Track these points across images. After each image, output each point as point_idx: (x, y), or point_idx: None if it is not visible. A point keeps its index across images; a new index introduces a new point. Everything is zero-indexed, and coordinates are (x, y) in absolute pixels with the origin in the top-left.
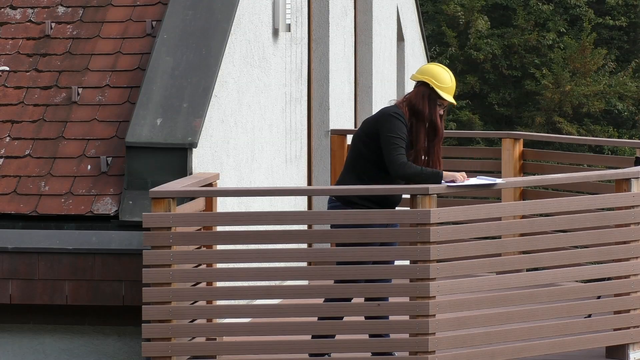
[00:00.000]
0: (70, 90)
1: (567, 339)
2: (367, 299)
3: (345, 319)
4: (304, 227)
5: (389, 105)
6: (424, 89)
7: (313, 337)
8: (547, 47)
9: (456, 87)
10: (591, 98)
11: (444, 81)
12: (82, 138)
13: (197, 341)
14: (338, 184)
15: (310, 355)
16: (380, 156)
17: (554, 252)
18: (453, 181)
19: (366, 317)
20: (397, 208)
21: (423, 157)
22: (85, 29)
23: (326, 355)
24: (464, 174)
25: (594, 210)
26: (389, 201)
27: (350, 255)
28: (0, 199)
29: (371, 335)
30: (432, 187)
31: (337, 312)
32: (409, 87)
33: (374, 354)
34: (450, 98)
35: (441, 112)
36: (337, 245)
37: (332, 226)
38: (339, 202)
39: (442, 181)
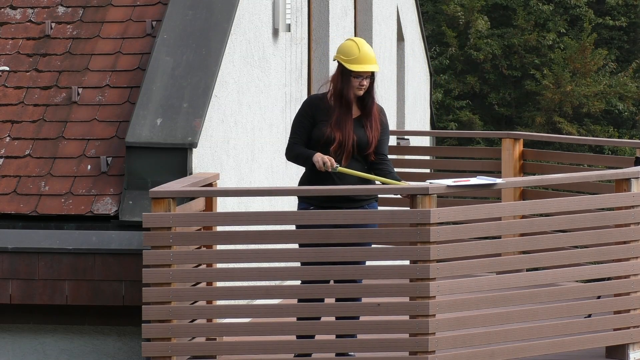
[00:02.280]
0: (70, 90)
1: (567, 339)
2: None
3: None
4: None
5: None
6: (338, 67)
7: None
8: (547, 48)
9: (457, 87)
10: (591, 98)
11: (351, 53)
12: (82, 138)
13: (197, 341)
14: None
15: (296, 355)
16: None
17: (553, 252)
18: (322, 163)
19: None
20: (397, 208)
21: (335, 131)
22: (85, 29)
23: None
24: (330, 159)
25: (594, 210)
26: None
27: (349, 255)
28: (0, 199)
29: (338, 336)
30: (432, 187)
31: (337, 312)
32: (409, 87)
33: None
34: (360, 67)
35: (363, 82)
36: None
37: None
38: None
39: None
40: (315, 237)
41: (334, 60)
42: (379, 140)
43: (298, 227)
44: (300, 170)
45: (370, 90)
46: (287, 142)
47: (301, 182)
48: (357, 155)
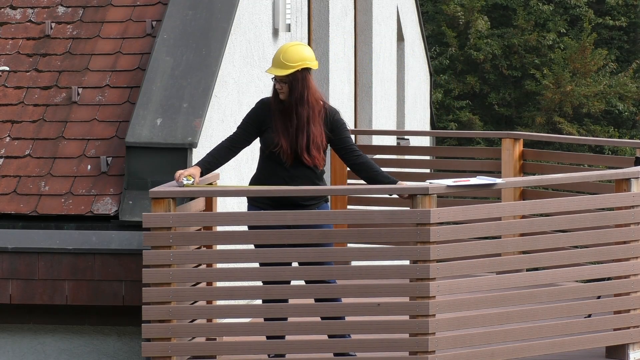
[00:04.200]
0: (70, 90)
1: (567, 339)
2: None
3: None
4: None
5: None
6: (301, 74)
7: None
8: (547, 48)
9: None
10: (591, 98)
11: (312, 56)
12: (82, 138)
13: (197, 341)
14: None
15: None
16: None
17: (553, 252)
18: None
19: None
20: (397, 208)
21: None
22: (85, 29)
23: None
24: (180, 174)
25: (594, 210)
26: (281, 199)
27: (348, 255)
28: (0, 199)
29: (330, 336)
30: (432, 187)
31: (337, 313)
32: (409, 87)
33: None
34: (269, 71)
35: (277, 86)
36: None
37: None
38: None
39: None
40: (315, 237)
41: (293, 71)
42: (340, 139)
43: (250, 227)
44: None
45: (292, 94)
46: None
47: (251, 183)
48: (302, 160)
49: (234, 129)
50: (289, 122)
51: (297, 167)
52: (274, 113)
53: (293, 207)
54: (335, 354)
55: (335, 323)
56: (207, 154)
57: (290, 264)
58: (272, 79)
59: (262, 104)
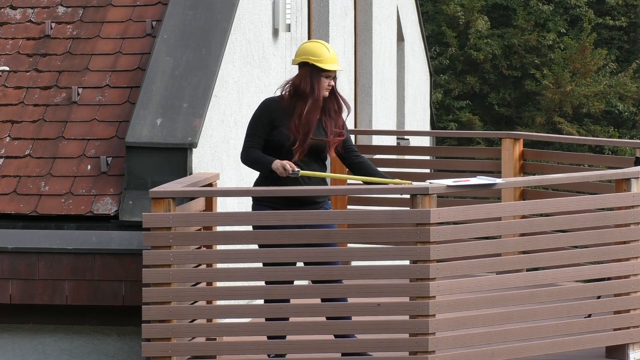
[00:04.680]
0: (70, 90)
1: (567, 339)
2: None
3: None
4: None
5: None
6: (305, 69)
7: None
8: (547, 48)
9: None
10: (591, 98)
11: (321, 54)
12: (82, 138)
13: (197, 341)
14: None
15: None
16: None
17: (553, 252)
18: (277, 170)
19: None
20: (397, 208)
21: (297, 131)
22: (85, 29)
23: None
24: (290, 164)
25: (594, 210)
26: (297, 198)
27: (349, 255)
28: (0, 199)
29: (337, 336)
30: (432, 187)
31: (340, 313)
32: (409, 87)
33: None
34: (333, 66)
35: (331, 82)
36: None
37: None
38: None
39: (272, 170)
40: (315, 237)
41: (296, 63)
42: (343, 139)
43: (255, 227)
44: None
45: (334, 90)
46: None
47: (260, 184)
48: (316, 156)
49: (234, 129)
50: (311, 112)
51: (308, 163)
52: (285, 111)
53: (308, 205)
54: (344, 354)
55: (336, 323)
56: (263, 155)
57: (295, 264)
58: (324, 75)
59: (269, 104)
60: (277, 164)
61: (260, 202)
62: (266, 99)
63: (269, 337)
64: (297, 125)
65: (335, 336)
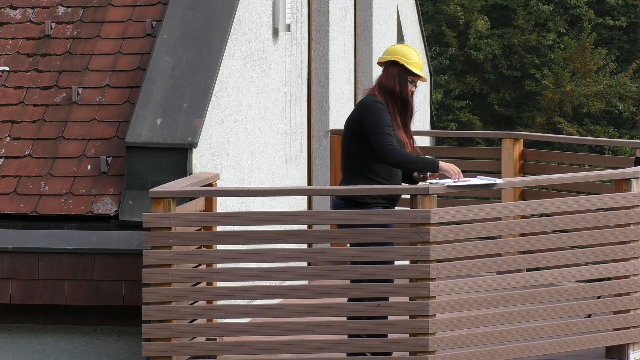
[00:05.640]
0: (70, 90)
1: (567, 339)
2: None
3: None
4: (304, 227)
5: (363, 95)
6: (393, 69)
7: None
8: (547, 47)
9: (457, 87)
10: (591, 98)
11: (412, 57)
12: (82, 138)
13: (197, 341)
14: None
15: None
16: (374, 149)
17: (554, 252)
18: (448, 171)
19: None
20: (397, 208)
21: (405, 135)
22: (85, 29)
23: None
24: (457, 167)
25: (594, 210)
26: (398, 196)
27: (350, 255)
28: (0, 199)
29: (351, 336)
30: (432, 187)
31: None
32: None
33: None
34: (421, 73)
35: (413, 89)
36: (352, 244)
37: (338, 226)
38: (344, 203)
39: (439, 170)
40: (316, 238)
41: (384, 61)
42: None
43: (340, 226)
44: (300, 171)
45: (412, 97)
46: (384, 145)
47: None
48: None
49: (234, 129)
50: (402, 115)
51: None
52: (393, 108)
53: (396, 204)
54: (349, 354)
55: (337, 323)
56: (419, 156)
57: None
58: (409, 80)
59: (383, 105)
60: (448, 166)
61: (376, 202)
62: (376, 100)
63: (350, 336)
64: (401, 131)
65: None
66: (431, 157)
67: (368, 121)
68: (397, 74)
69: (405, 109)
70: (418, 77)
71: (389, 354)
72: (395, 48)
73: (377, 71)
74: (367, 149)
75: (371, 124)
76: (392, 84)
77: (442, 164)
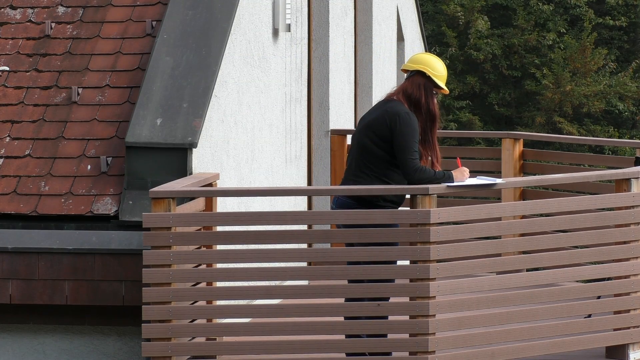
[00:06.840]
0: (70, 90)
1: (567, 339)
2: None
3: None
4: (304, 227)
5: (387, 99)
6: (419, 78)
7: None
8: (547, 47)
9: (457, 87)
10: (591, 98)
11: (439, 69)
12: (82, 138)
13: (197, 341)
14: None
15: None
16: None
17: (554, 252)
18: (462, 178)
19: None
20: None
21: (423, 148)
22: (85, 29)
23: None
24: (466, 169)
25: (594, 210)
26: (404, 197)
27: (351, 255)
28: (0, 199)
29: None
30: (432, 187)
31: (338, 313)
32: None
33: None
34: (444, 86)
35: (435, 100)
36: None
37: (339, 226)
38: (356, 203)
39: (454, 181)
40: (316, 238)
41: (410, 69)
42: None
43: (344, 226)
44: (300, 171)
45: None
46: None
47: (394, 200)
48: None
49: (234, 129)
50: (427, 126)
51: None
52: (418, 119)
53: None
54: (348, 354)
55: (337, 323)
56: (437, 173)
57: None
58: (436, 94)
59: (415, 118)
60: (459, 172)
61: (390, 203)
62: (409, 112)
63: (369, 336)
64: (431, 144)
65: (347, 336)
66: (445, 172)
67: (401, 133)
68: (423, 85)
69: (432, 124)
70: (441, 89)
71: (389, 354)
72: (423, 57)
73: (377, 71)
74: (391, 155)
75: (404, 137)
76: (417, 94)
77: (455, 174)
